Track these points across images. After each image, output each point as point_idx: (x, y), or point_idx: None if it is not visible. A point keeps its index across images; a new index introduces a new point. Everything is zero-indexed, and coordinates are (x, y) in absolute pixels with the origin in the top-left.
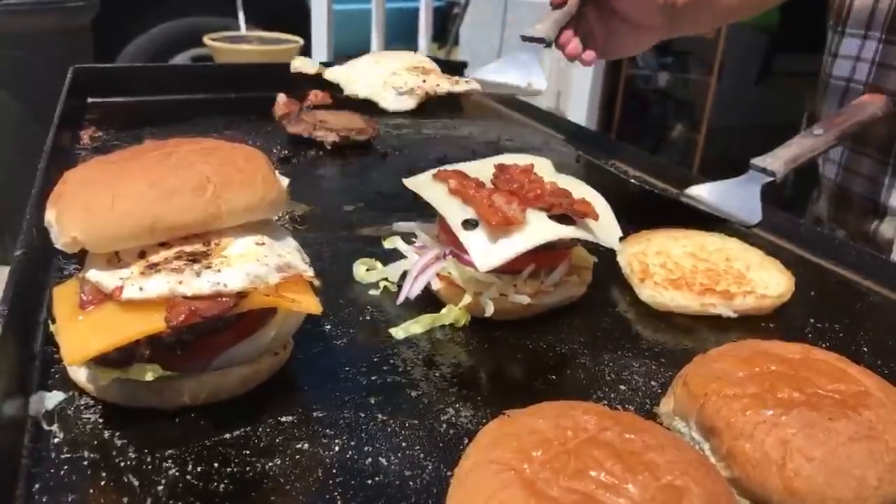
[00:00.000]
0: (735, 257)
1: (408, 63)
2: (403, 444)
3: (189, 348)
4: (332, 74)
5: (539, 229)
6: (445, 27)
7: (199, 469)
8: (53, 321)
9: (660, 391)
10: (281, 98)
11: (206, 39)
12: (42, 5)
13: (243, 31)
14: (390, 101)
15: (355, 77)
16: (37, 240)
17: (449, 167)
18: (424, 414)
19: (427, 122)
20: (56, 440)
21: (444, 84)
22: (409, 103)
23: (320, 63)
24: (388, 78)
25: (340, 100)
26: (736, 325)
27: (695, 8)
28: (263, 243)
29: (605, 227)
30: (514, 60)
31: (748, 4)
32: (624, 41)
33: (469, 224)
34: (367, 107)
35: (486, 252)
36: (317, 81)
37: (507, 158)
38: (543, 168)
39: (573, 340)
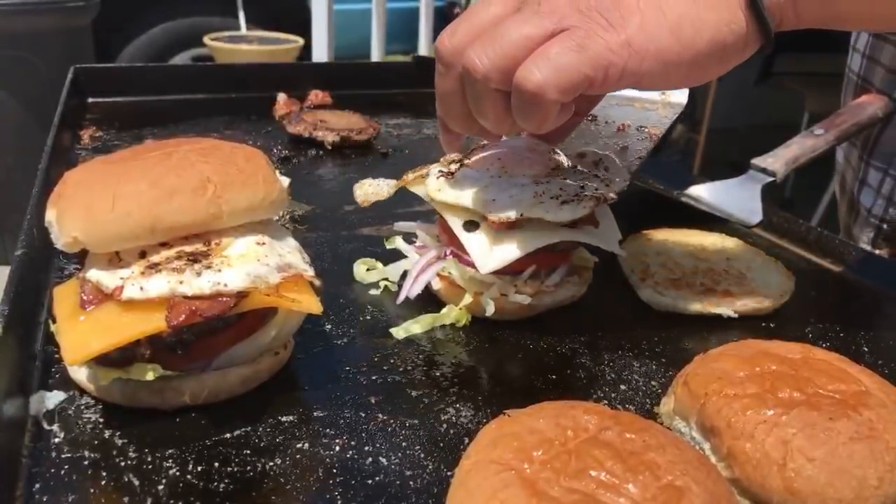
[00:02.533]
0: (735, 257)
1: (546, 165)
2: (403, 443)
3: (189, 348)
4: (454, 197)
5: (540, 232)
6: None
7: (199, 469)
8: (54, 321)
9: (660, 391)
10: (281, 98)
11: (206, 39)
12: (42, 5)
13: (243, 31)
14: (556, 214)
15: (490, 198)
16: (37, 240)
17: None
18: (424, 414)
19: (427, 123)
20: (56, 440)
21: (600, 188)
22: (578, 212)
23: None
24: (535, 188)
25: (341, 99)
26: (736, 325)
27: None
28: (264, 243)
29: (606, 230)
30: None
31: None
32: None
33: (470, 225)
34: (367, 107)
35: (487, 254)
36: (318, 82)
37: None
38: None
39: (573, 340)
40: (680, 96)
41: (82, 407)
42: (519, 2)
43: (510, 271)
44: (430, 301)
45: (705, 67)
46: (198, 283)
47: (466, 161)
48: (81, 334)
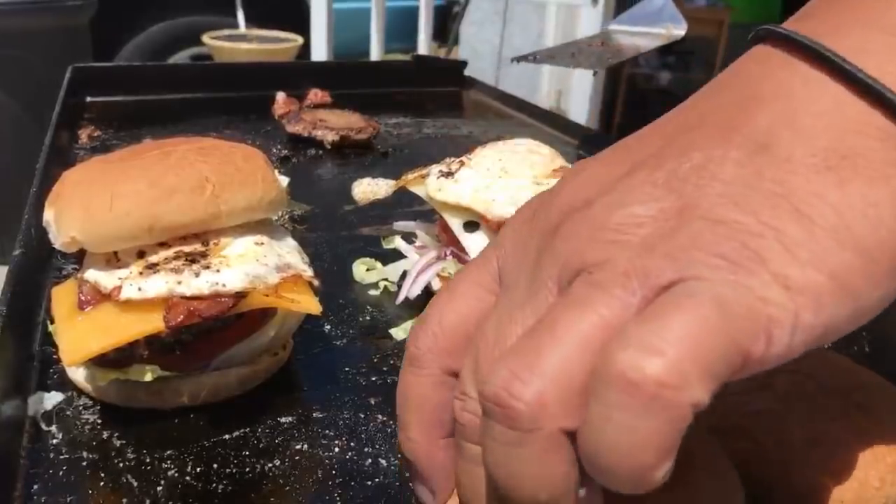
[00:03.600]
0: None
1: (547, 166)
2: None
3: (188, 349)
4: (454, 196)
5: None
6: (445, 26)
7: (197, 470)
8: (52, 321)
9: None
10: (280, 97)
11: (205, 38)
12: (40, 4)
13: (243, 29)
14: None
15: (490, 198)
16: (35, 240)
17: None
18: None
19: (427, 122)
20: (55, 441)
21: None
22: None
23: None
24: (535, 189)
25: (341, 99)
26: None
27: None
28: (263, 243)
29: None
30: None
31: None
32: None
33: (470, 226)
34: (367, 106)
35: None
36: (317, 81)
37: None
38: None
39: None
40: (679, 30)
41: (80, 408)
42: (551, 279)
43: None
44: (430, 301)
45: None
46: (196, 283)
47: (466, 161)
48: (79, 335)
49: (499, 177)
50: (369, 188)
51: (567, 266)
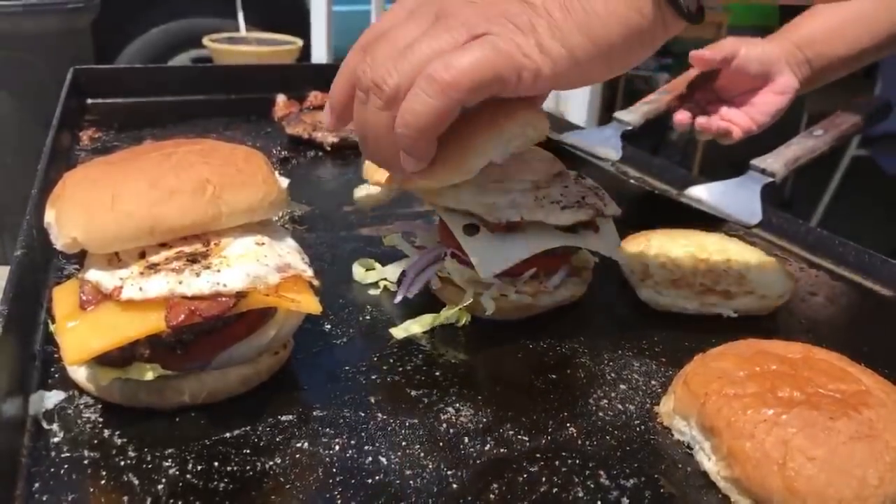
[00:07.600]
0: (735, 257)
1: (547, 171)
2: (403, 443)
3: (189, 348)
4: (452, 200)
5: (540, 236)
6: None
7: (199, 468)
8: (53, 321)
9: (660, 390)
10: (280, 99)
11: (205, 40)
12: (42, 6)
13: (243, 32)
14: (557, 217)
15: (490, 201)
16: (37, 240)
17: None
18: (424, 413)
19: None
20: (56, 439)
21: (598, 203)
22: (578, 216)
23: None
24: (536, 193)
25: None
26: (736, 325)
27: (829, 68)
28: (263, 243)
29: (606, 235)
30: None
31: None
32: (767, 107)
33: (470, 228)
34: None
35: (488, 258)
36: (317, 83)
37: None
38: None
39: (573, 340)
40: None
41: (82, 406)
42: (428, 22)
43: (510, 273)
44: (430, 301)
45: (623, 58)
46: (197, 283)
47: None
48: (81, 334)
49: (499, 181)
50: (371, 192)
51: (439, 13)
